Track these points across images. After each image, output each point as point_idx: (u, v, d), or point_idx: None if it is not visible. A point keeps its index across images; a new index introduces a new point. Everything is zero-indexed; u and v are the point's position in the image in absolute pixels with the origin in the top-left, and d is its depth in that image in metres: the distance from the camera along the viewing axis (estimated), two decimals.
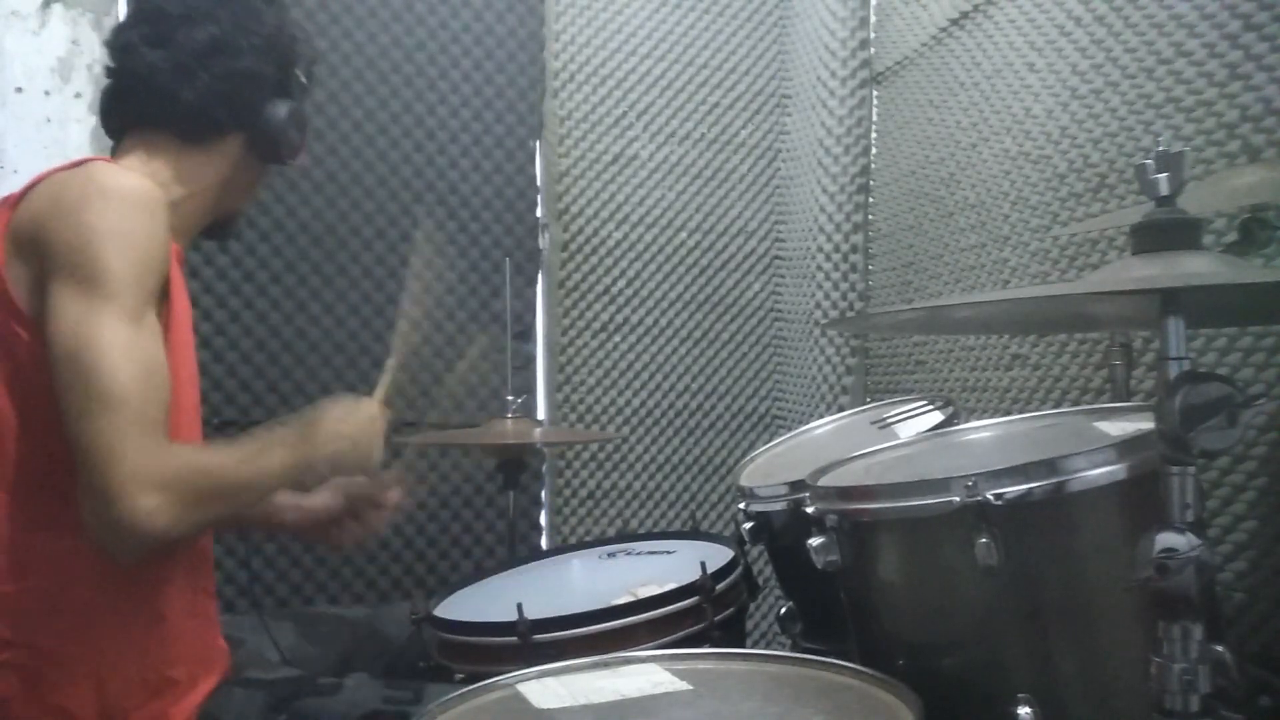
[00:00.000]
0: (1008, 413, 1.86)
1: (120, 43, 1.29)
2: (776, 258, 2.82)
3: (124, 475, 1.03)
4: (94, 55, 1.31)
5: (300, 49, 1.37)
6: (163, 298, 1.17)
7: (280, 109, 1.32)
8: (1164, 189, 0.99)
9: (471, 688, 1.12)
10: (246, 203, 1.42)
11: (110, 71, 1.31)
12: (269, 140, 1.33)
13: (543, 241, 2.58)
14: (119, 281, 1.09)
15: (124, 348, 1.07)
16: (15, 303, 1.12)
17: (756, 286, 2.80)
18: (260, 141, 1.33)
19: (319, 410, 1.24)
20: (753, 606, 1.93)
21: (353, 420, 1.27)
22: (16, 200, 1.17)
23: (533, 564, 1.84)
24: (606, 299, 2.64)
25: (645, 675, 1.14)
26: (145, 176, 1.21)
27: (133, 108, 1.29)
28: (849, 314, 2.47)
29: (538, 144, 2.57)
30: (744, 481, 1.66)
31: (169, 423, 1.12)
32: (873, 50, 2.46)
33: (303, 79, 1.37)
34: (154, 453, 1.06)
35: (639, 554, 1.75)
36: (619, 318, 2.66)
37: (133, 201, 1.13)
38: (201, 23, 1.28)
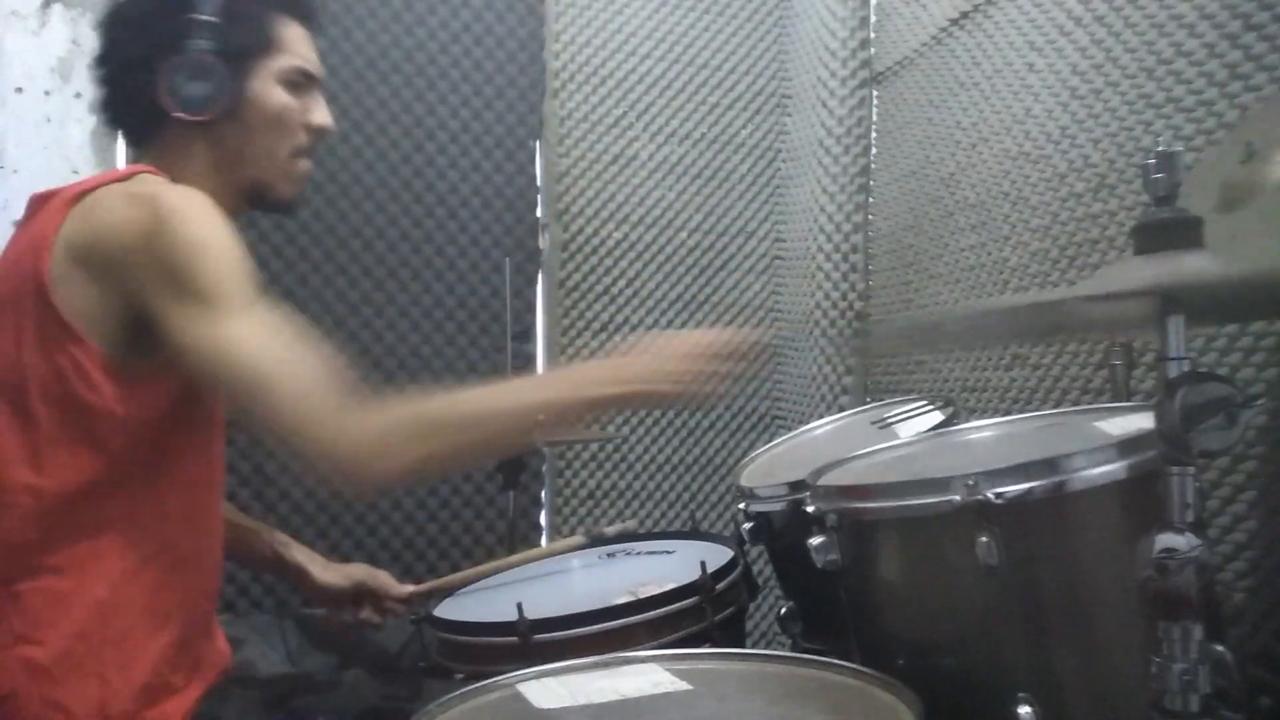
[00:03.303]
0: (1008, 413, 1.86)
1: None
2: (776, 258, 2.82)
3: (322, 442, 1.07)
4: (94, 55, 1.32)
5: None
6: None
7: (167, 72, 1.21)
8: (1161, 189, 0.99)
9: (471, 688, 1.12)
10: (266, 168, 1.31)
11: None
12: (176, 106, 1.22)
13: (543, 241, 2.58)
14: (224, 290, 1.11)
15: (252, 336, 1.10)
16: (65, 319, 1.13)
17: (756, 286, 2.80)
18: (172, 109, 1.23)
19: (630, 346, 1.24)
20: (753, 606, 1.93)
21: (654, 355, 1.24)
22: (64, 208, 1.16)
23: (533, 564, 1.84)
24: (606, 299, 2.64)
25: (645, 675, 1.13)
26: None
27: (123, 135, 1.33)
28: (849, 313, 2.47)
29: (538, 144, 2.57)
30: (744, 481, 1.66)
31: (341, 377, 1.13)
32: (873, 50, 2.46)
33: (208, 18, 1.22)
34: (334, 407, 1.09)
35: (639, 554, 1.75)
36: (619, 318, 2.66)
37: (203, 208, 1.15)
38: (98, 40, 1.28)
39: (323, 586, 1.53)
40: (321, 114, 1.34)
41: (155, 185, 1.18)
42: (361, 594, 1.54)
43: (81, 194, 1.16)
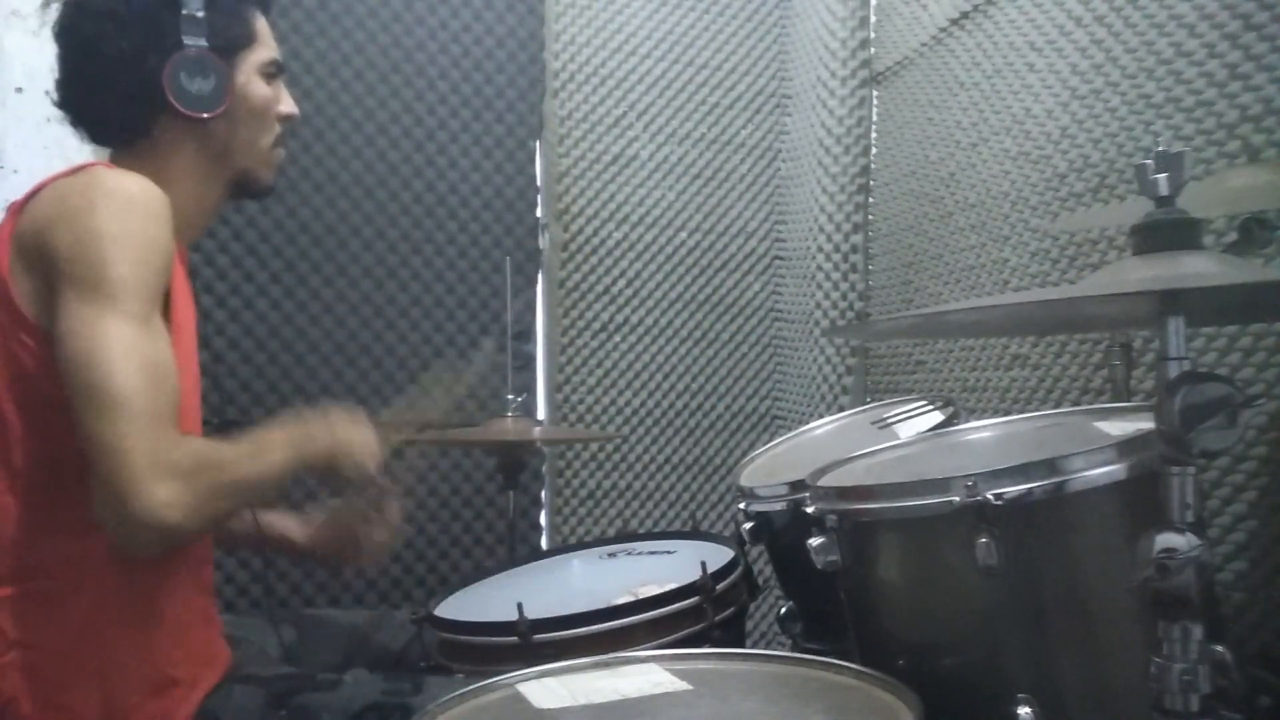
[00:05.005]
0: (1008, 413, 1.86)
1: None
2: (776, 258, 2.82)
3: (135, 468, 1.03)
4: None
5: None
6: (165, 301, 1.17)
7: (171, 70, 1.21)
8: (1164, 189, 0.99)
9: (472, 687, 1.12)
10: (251, 159, 1.33)
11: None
12: (183, 105, 1.22)
13: (543, 241, 2.58)
14: (122, 284, 1.09)
15: (127, 347, 1.07)
16: (21, 312, 1.12)
17: (756, 286, 2.80)
18: (178, 109, 1.22)
19: (314, 413, 1.25)
20: (753, 606, 1.93)
21: (347, 425, 1.27)
22: (20, 207, 1.17)
23: (533, 564, 1.84)
24: (606, 299, 2.64)
25: (645, 675, 1.14)
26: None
27: (85, 134, 1.29)
28: (849, 314, 2.47)
29: (538, 144, 2.57)
30: (744, 481, 1.66)
31: (178, 420, 1.12)
32: (873, 50, 2.46)
33: (197, 13, 1.22)
34: (164, 445, 1.07)
35: (639, 554, 1.75)
36: (619, 318, 2.66)
37: (134, 204, 1.13)
38: (63, 34, 1.25)
39: (310, 547, 1.53)
40: (290, 103, 1.36)
41: (98, 172, 1.16)
42: (355, 519, 1.50)
43: (34, 192, 1.17)
